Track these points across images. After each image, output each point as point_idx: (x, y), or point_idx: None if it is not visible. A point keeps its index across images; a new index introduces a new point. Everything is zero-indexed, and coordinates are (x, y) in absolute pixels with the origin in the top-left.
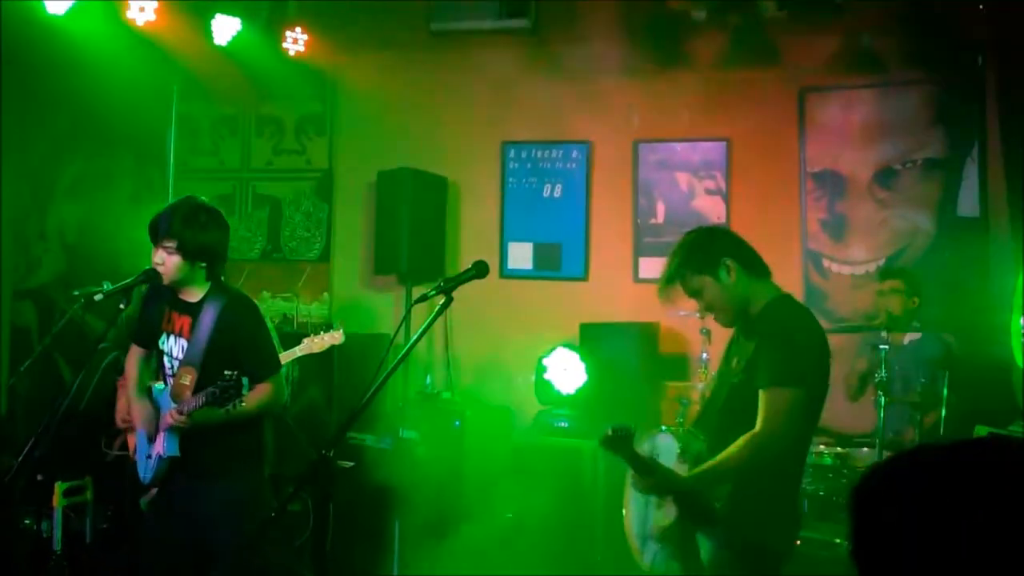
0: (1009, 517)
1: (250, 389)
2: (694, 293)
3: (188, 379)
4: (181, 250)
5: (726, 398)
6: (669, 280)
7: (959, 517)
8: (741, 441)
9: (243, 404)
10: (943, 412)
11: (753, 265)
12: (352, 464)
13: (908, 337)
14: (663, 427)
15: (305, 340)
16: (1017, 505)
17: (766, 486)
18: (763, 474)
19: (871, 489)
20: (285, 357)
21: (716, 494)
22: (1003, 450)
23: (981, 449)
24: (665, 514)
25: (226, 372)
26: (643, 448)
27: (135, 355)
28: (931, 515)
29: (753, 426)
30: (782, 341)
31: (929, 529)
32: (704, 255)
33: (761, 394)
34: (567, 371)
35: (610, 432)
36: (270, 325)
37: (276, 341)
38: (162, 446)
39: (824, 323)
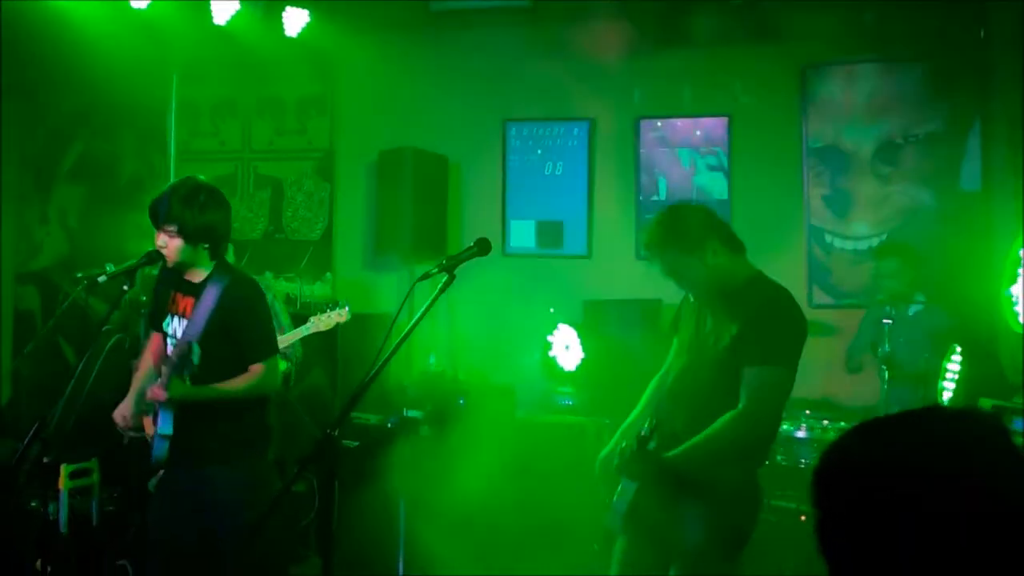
0: (949, 497)
1: (243, 370)
2: (673, 272)
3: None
4: (182, 232)
5: (708, 373)
6: (651, 258)
7: (900, 501)
8: (727, 418)
9: (196, 373)
10: (940, 384)
11: (732, 243)
12: (356, 444)
13: (912, 309)
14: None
15: (312, 319)
16: (958, 485)
17: (740, 464)
18: (741, 452)
19: (824, 468)
20: (291, 337)
21: (695, 472)
22: (946, 423)
23: (927, 423)
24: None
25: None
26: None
27: (153, 343)
28: (874, 497)
29: (735, 403)
30: (772, 320)
31: (874, 511)
32: (690, 237)
33: (748, 371)
34: (570, 349)
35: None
36: (280, 306)
37: (287, 320)
38: (158, 424)
39: (827, 298)
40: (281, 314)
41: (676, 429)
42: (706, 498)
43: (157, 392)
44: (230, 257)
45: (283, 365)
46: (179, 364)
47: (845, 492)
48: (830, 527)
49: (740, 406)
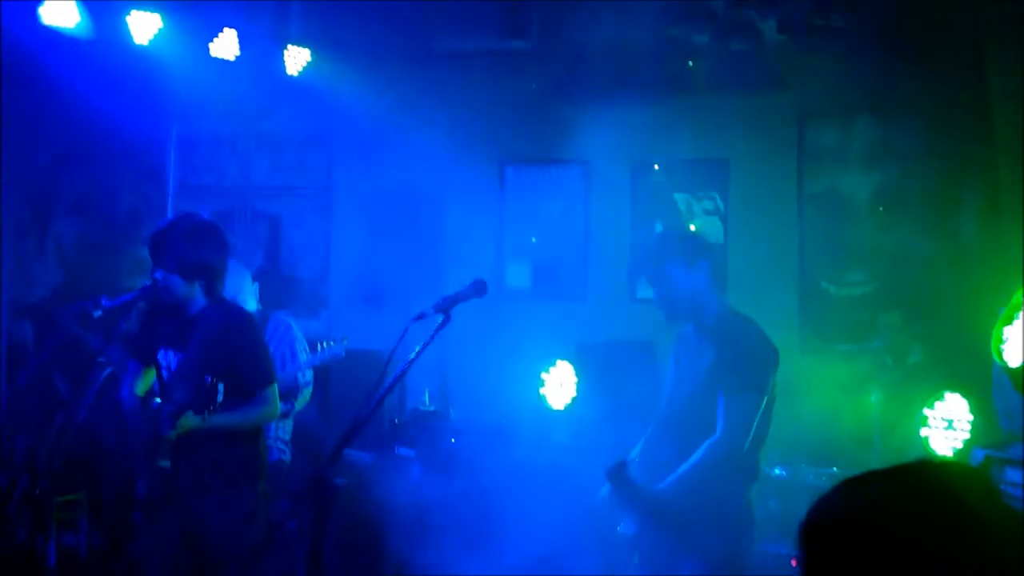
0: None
1: (244, 402)
2: (659, 278)
3: (182, 392)
4: (179, 269)
5: (687, 403)
6: (650, 264)
7: (877, 559)
8: (705, 447)
9: (216, 412)
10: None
11: (719, 277)
12: (347, 481)
13: (904, 361)
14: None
15: (319, 345)
16: (938, 546)
17: (724, 489)
18: (723, 477)
19: (807, 521)
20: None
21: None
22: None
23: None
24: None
25: (204, 377)
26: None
27: (133, 373)
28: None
29: (713, 430)
30: (746, 350)
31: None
32: (689, 248)
33: (724, 399)
34: (563, 386)
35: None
36: (301, 344)
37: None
38: (157, 458)
39: (821, 344)
40: (300, 353)
41: (662, 459)
42: (696, 523)
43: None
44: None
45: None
46: (196, 403)
47: (824, 547)
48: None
49: (717, 433)
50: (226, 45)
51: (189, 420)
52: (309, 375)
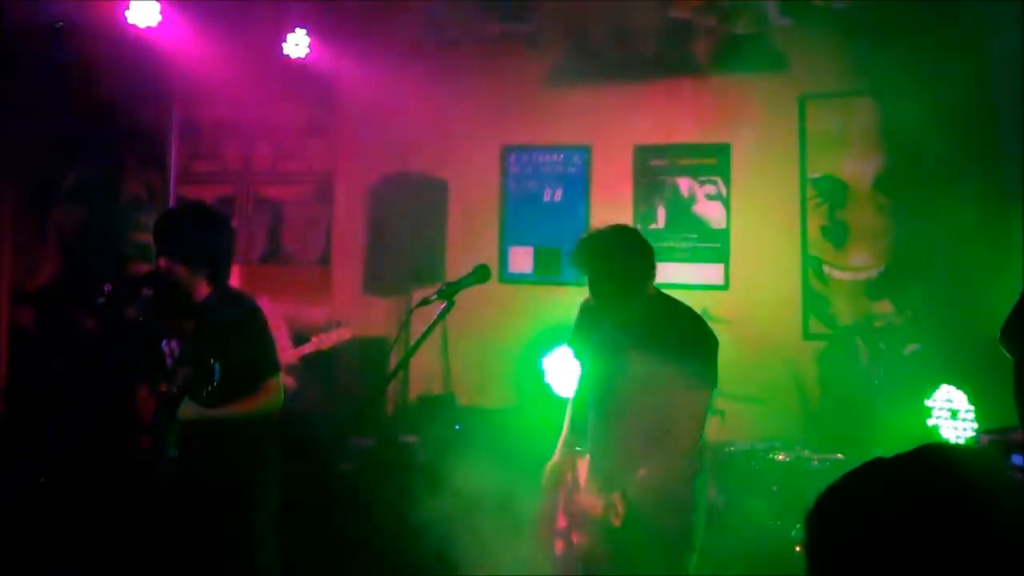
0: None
1: (247, 392)
2: (612, 297)
3: (183, 378)
4: (184, 257)
5: (632, 401)
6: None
7: (881, 541)
8: (672, 449)
9: (214, 393)
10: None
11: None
12: (351, 468)
13: (909, 348)
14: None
15: (314, 338)
16: (946, 527)
17: (679, 481)
18: (679, 470)
19: (814, 506)
20: (296, 353)
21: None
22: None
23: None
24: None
25: (205, 361)
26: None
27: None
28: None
29: (663, 425)
30: (698, 346)
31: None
32: (648, 268)
33: (683, 396)
34: (567, 372)
35: None
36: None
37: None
38: (163, 446)
39: (823, 329)
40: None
41: (614, 465)
42: (644, 517)
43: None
44: None
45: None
46: (195, 384)
47: (830, 530)
48: (815, 563)
49: (682, 432)
50: (226, 31)
51: (191, 408)
52: None
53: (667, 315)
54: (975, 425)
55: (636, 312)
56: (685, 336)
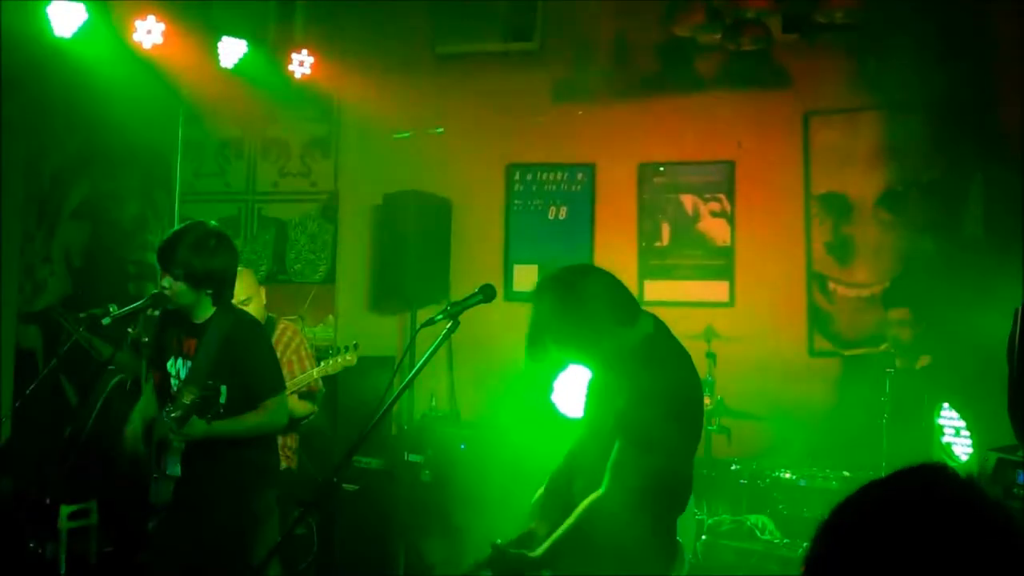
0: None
1: (249, 409)
2: (566, 345)
3: (189, 398)
4: (189, 277)
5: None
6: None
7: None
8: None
9: (220, 414)
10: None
11: (626, 312)
12: (357, 488)
13: (921, 362)
14: None
15: (322, 363)
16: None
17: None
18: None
19: (821, 523)
20: (301, 380)
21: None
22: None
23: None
24: None
25: (208, 382)
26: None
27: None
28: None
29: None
30: (653, 401)
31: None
32: (594, 320)
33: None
34: (574, 392)
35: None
36: (307, 350)
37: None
38: (165, 465)
39: (828, 345)
40: (306, 359)
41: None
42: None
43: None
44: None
45: (309, 406)
46: (201, 405)
47: (829, 547)
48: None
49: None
50: (232, 49)
51: (195, 426)
52: (320, 382)
53: (643, 349)
54: (969, 442)
55: (610, 356)
56: (646, 386)
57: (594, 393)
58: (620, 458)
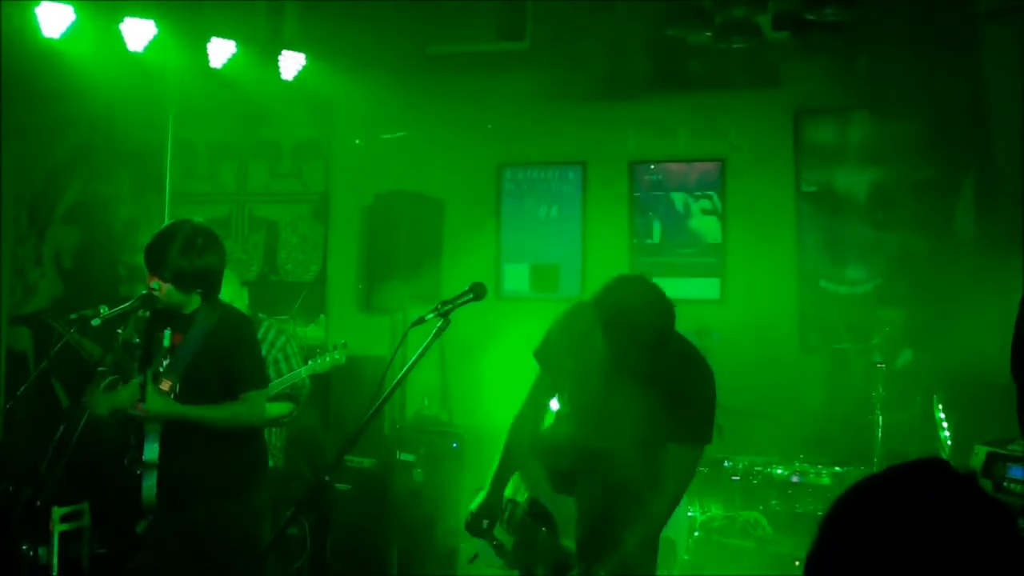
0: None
1: (228, 399)
2: (626, 351)
3: (166, 386)
4: (175, 278)
5: (636, 454)
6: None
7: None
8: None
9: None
10: (943, 433)
11: None
12: (349, 487)
13: (906, 361)
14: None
15: (310, 361)
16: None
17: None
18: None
19: (824, 522)
20: (288, 379)
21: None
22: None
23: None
24: None
25: (188, 371)
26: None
27: None
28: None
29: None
30: (701, 396)
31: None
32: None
33: (676, 449)
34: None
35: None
36: (293, 349)
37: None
38: (144, 453)
39: (819, 342)
40: (292, 357)
41: (598, 524)
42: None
43: (138, 407)
44: (243, 301)
45: (287, 407)
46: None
47: (831, 545)
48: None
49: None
50: (222, 50)
51: (155, 402)
52: (306, 380)
53: (678, 355)
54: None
55: (647, 348)
56: (691, 384)
57: (590, 383)
58: (679, 459)
